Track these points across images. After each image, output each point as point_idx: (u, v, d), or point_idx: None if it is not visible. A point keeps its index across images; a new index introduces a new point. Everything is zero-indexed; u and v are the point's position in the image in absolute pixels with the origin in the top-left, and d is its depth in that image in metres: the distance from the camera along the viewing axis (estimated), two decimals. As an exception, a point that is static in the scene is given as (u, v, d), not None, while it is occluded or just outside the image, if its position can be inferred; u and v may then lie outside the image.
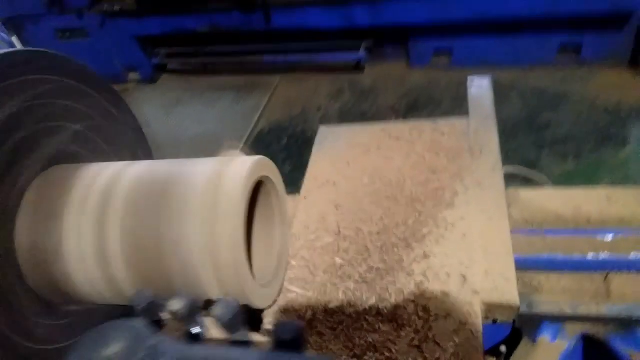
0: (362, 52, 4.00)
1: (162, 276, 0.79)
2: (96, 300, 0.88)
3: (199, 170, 0.81)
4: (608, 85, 3.59)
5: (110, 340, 0.46)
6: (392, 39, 4.13)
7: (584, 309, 1.06)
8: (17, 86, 0.81)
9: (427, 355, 0.86)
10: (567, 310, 1.07)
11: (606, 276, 1.10)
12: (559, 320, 1.09)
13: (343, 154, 1.32)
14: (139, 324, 0.50)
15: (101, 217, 0.81)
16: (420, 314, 0.93)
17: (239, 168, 0.80)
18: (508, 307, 0.93)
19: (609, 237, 1.09)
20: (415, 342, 0.89)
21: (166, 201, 0.79)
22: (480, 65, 3.83)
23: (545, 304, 1.08)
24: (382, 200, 1.15)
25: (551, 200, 1.19)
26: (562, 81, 3.63)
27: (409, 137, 1.31)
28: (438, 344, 0.87)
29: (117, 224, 0.80)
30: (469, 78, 1.45)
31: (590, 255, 1.09)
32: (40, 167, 0.88)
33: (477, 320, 0.90)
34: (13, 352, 0.77)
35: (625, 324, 1.06)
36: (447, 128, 1.31)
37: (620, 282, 1.09)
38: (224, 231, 0.75)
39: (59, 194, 0.84)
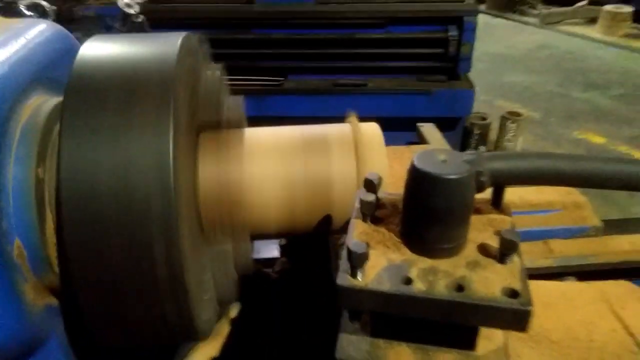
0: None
1: (328, 203, 1.03)
2: (265, 227, 1.05)
3: (339, 127, 1.10)
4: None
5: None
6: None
7: (537, 263, 1.51)
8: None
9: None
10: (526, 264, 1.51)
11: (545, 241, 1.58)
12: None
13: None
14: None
15: (281, 157, 1.04)
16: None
17: (371, 125, 1.12)
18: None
19: (543, 215, 1.58)
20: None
21: (328, 146, 1.05)
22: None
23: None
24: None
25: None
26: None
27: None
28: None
29: (296, 162, 1.03)
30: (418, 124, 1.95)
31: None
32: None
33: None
34: None
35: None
36: (418, 148, 1.75)
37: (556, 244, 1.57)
38: (374, 166, 1.03)
39: (232, 142, 1.03)
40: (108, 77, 0.85)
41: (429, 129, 1.90)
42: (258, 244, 1.57)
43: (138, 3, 4.05)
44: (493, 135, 4.89)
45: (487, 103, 6.07)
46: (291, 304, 1.47)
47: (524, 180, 0.75)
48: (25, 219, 0.89)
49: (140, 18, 4.14)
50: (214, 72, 1.08)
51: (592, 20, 8.81)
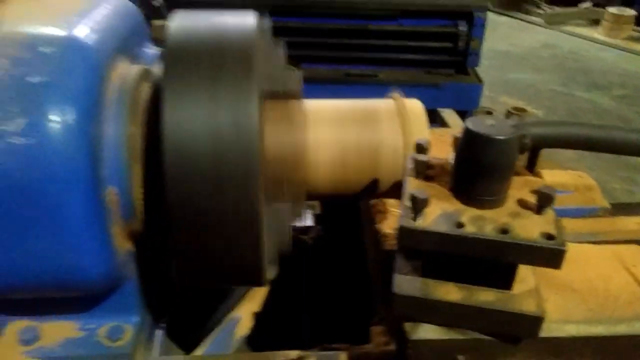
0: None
1: (376, 168, 1.16)
2: (320, 188, 1.18)
3: (386, 101, 1.23)
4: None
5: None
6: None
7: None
8: None
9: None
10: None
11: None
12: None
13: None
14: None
15: (336, 126, 1.17)
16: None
17: (414, 101, 1.25)
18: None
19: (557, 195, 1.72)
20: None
21: (377, 117, 1.19)
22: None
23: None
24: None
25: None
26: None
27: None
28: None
29: (349, 130, 1.17)
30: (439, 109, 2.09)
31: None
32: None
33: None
34: None
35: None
36: (439, 130, 1.88)
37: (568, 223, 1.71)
38: (417, 135, 1.16)
39: (293, 110, 1.15)
40: (199, 46, 0.97)
41: (449, 114, 2.04)
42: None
43: (158, -13, 4.14)
44: (497, 129, 5.03)
45: (491, 99, 6.20)
46: (324, 268, 1.60)
47: (560, 145, 0.88)
48: (119, 168, 1.01)
49: (159, 2, 4.24)
50: (277, 46, 1.20)
51: (596, 22, 8.95)
